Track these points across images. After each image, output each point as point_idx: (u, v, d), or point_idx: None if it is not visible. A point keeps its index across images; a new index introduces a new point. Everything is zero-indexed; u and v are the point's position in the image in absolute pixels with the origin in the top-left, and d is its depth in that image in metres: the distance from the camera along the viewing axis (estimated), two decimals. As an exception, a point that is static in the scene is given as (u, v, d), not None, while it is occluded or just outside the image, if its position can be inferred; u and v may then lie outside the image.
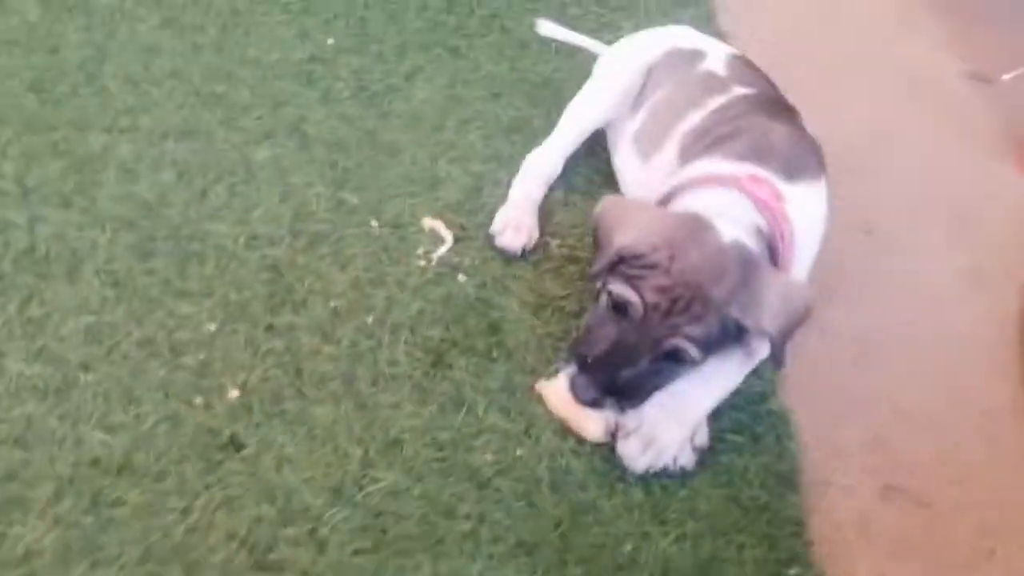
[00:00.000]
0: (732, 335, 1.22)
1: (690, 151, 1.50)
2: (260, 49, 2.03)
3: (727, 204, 1.28)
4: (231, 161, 1.73)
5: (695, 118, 1.55)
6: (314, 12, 2.15)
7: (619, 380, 1.20)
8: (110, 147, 1.73)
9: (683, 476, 1.31)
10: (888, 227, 1.78)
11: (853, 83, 2.18)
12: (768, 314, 1.18)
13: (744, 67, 1.65)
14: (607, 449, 1.32)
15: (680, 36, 1.75)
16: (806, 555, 1.28)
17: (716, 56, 1.67)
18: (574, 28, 2.17)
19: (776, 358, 1.23)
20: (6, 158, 1.69)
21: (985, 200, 1.88)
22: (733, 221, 1.24)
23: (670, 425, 1.29)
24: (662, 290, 1.17)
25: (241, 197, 1.66)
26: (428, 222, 1.65)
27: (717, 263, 1.19)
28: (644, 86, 1.69)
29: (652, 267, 1.18)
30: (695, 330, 1.17)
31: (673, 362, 1.21)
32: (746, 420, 1.39)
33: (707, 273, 1.18)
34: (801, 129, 1.50)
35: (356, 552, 1.21)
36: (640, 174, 1.63)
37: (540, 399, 1.36)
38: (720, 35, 2.25)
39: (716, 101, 1.55)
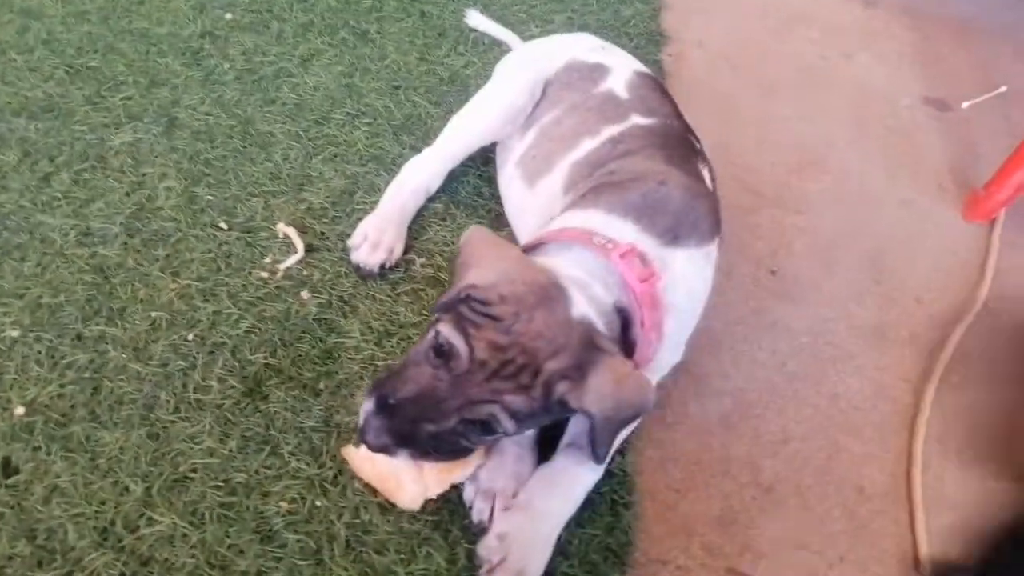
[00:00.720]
0: (554, 413, 1.08)
1: (576, 186, 1.34)
2: (150, 21, 1.89)
3: (590, 275, 1.12)
4: (85, 144, 1.60)
5: (586, 147, 1.39)
6: (218, -17, 2.00)
7: (419, 434, 1.06)
8: (-45, 120, 1.60)
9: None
10: (796, 268, 1.62)
11: (795, 99, 2.01)
12: (596, 399, 1.04)
13: (648, 89, 1.48)
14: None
15: (583, 46, 1.58)
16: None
17: (619, 74, 1.49)
18: (501, 17, 2.02)
19: (594, 449, 1.07)
20: None
21: (912, 246, 1.71)
22: (589, 298, 1.09)
23: (535, 552, 1.14)
24: (495, 348, 1.03)
25: (85, 187, 1.53)
26: (283, 228, 1.51)
27: (560, 336, 1.04)
28: (538, 103, 1.53)
29: (493, 319, 1.04)
30: (516, 401, 1.03)
31: (482, 431, 1.07)
32: (581, 484, 1.25)
33: (546, 343, 1.03)
34: (698, 177, 1.32)
35: (113, 604, 1.09)
36: (524, 199, 1.48)
37: (345, 462, 1.21)
38: (660, 36, 2.11)
39: (611, 130, 1.38)
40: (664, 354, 1.23)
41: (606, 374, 1.04)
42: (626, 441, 1.30)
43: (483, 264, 1.11)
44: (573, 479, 1.18)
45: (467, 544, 1.17)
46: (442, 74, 1.87)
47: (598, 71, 1.51)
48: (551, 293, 1.07)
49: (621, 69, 1.51)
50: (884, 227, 1.73)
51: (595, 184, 1.30)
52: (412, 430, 1.05)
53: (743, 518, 1.27)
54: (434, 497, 1.16)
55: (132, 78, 1.75)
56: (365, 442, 1.07)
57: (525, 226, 1.47)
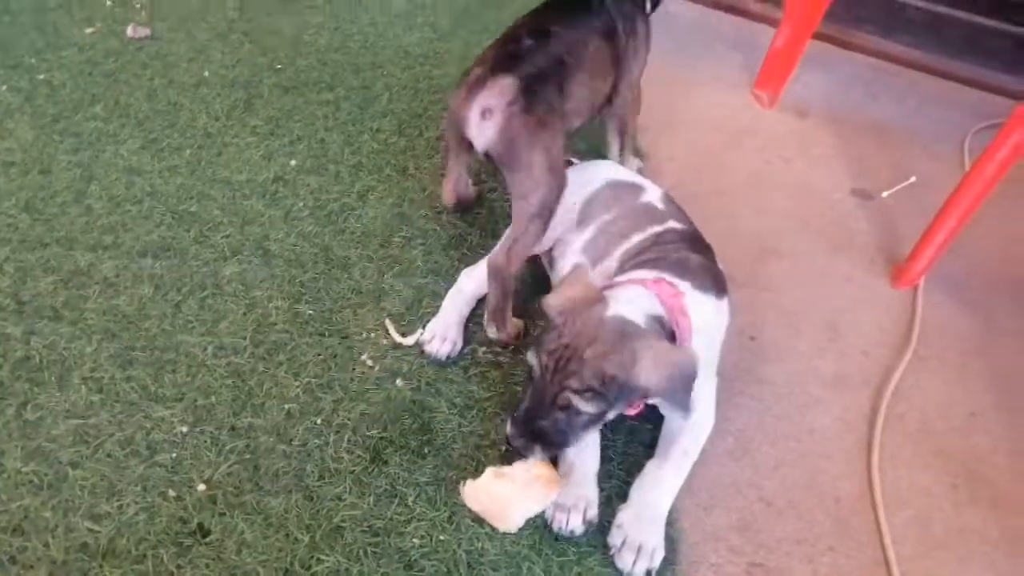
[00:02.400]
0: (615, 393, 1.47)
1: (626, 265, 1.81)
2: (230, 170, 2.31)
3: (633, 295, 1.59)
4: (202, 276, 2.00)
5: (636, 239, 1.86)
6: (279, 134, 2.45)
7: (536, 429, 1.51)
8: (95, 263, 1.99)
9: (572, 538, 1.59)
10: (770, 334, 2.08)
11: (749, 198, 2.51)
12: (643, 371, 1.45)
13: (674, 206, 1.99)
14: (517, 534, 1.57)
15: (613, 172, 2.08)
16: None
17: (652, 192, 2.01)
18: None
19: (677, 407, 1.49)
20: (3, 274, 1.94)
21: (856, 310, 2.19)
22: (627, 302, 1.55)
23: (649, 529, 1.58)
24: (551, 352, 1.50)
25: (210, 310, 1.93)
26: (386, 322, 1.93)
27: (593, 330, 1.49)
28: (588, 208, 1.99)
29: (553, 330, 1.52)
30: (574, 383, 1.46)
31: (572, 414, 1.49)
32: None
33: (583, 337, 1.48)
34: (714, 262, 1.83)
35: (301, 625, 1.46)
36: None
37: (461, 494, 1.60)
38: (638, 153, 2.59)
39: (655, 229, 1.88)
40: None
41: (647, 352, 1.46)
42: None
43: (560, 292, 1.59)
44: (660, 472, 1.64)
45: (557, 558, 1.56)
46: (472, 198, 2.32)
47: (637, 188, 2.01)
48: (592, 303, 1.53)
49: (652, 189, 2.01)
50: (833, 297, 2.21)
51: (641, 260, 1.78)
52: (534, 428, 1.51)
53: (754, 525, 1.69)
54: (532, 516, 1.56)
55: (227, 219, 2.16)
56: (513, 447, 1.53)
57: None
